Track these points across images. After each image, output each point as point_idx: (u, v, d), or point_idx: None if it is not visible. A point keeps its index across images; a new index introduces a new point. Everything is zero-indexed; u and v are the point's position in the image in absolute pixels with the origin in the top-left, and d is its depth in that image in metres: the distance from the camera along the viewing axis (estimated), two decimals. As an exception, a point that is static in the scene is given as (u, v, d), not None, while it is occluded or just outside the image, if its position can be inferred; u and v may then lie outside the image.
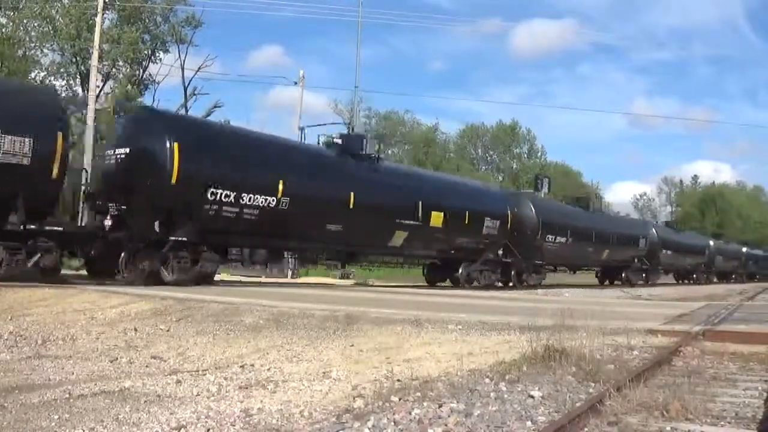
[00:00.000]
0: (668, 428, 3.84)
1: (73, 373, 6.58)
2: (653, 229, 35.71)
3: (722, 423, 4.02)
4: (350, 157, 17.55)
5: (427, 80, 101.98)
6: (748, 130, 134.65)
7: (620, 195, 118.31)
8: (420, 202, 18.66)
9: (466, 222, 20.49)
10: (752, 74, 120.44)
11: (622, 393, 4.34)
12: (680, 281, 42.28)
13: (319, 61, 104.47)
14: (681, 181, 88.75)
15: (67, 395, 5.59)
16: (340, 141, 17.91)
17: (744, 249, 55.01)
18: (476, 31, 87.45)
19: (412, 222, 18.37)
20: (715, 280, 46.44)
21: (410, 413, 4.18)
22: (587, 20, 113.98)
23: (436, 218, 19.14)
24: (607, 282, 32.14)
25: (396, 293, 15.22)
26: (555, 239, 24.65)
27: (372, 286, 20.79)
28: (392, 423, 3.97)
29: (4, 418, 4.92)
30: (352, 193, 16.62)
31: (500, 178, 63.30)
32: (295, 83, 35.43)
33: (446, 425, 3.93)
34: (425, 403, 4.40)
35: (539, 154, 70.01)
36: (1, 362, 7.10)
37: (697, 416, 4.05)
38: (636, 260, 32.28)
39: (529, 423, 4.01)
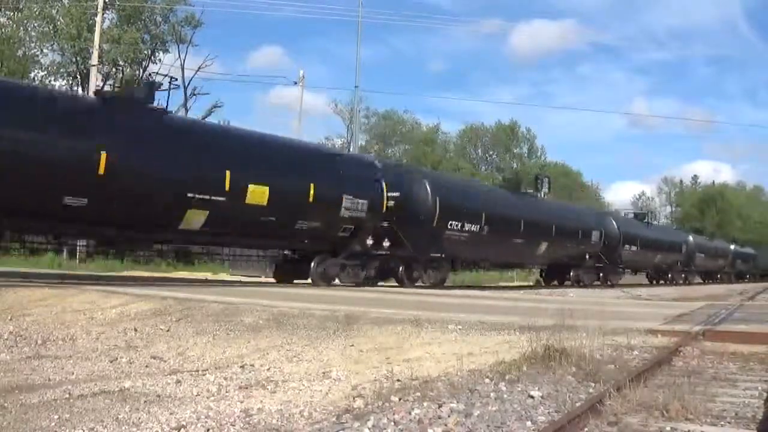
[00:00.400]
0: (668, 428, 3.84)
1: (73, 373, 6.58)
2: (613, 222, 30.25)
3: (722, 423, 4.02)
4: (113, 107, 12.87)
5: (427, 80, 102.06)
6: (748, 130, 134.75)
7: (620, 195, 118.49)
8: (228, 171, 13.74)
9: (311, 200, 15.38)
10: (752, 74, 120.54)
11: (622, 393, 4.34)
12: (653, 281, 37.54)
13: (319, 61, 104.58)
14: (681, 181, 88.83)
15: (67, 395, 5.59)
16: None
17: (732, 246, 51.10)
18: (476, 31, 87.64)
19: (214, 197, 13.44)
20: (697, 280, 42.21)
21: (410, 413, 4.18)
22: (587, 20, 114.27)
23: (257, 194, 14.17)
24: (556, 282, 27.62)
25: (396, 293, 15.21)
26: (462, 227, 19.56)
27: (372, 286, 20.73)
28: (392, 423, 3.98)
29: (4, 418, 4.92)
30: (102, 154, 11.97)
31: (500, 178, 63.33)
32: (295, 83, 35.57)
33: (446, 425, 3.93)
34: (425, 403, 4.40)
35: (539, 153, 70.09)
36: (1, 362, 7.10)
37: (697, 416, 4.05)
38: (588, 257, 27.26)
39: (529, 423, 4.01)
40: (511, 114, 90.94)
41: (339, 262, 16.61)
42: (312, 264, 16.03)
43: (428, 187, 18.83)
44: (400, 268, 18.44)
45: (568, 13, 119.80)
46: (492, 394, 4.70)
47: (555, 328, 6.19)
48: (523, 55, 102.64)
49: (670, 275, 38.01)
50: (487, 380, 5.18)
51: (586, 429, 3.81)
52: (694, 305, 12.98)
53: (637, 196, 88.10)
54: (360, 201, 16.50)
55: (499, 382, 5.07)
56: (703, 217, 74.10)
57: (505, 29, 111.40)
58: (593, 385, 5.01)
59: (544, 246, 24.08)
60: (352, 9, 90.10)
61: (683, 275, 39.28)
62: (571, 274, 27.11)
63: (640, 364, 5.76)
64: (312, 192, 15.43)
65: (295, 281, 16.75)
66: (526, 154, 70.03)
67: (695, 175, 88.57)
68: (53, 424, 4.75)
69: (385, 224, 17.68)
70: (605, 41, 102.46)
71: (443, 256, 19.70)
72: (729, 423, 4.02)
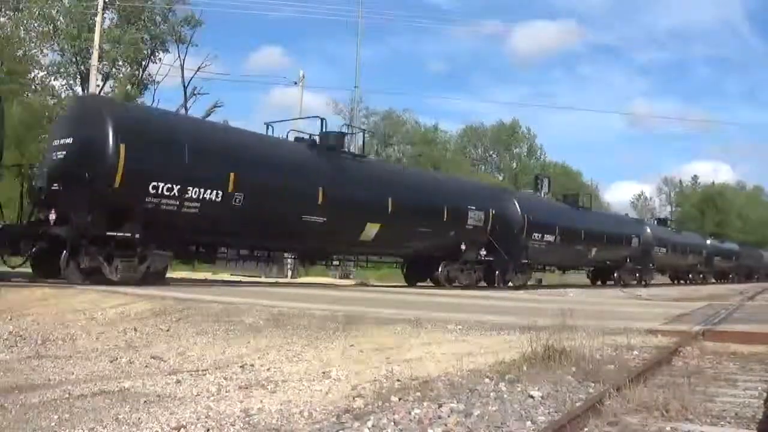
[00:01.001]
0: (668, 428, 3.84)
1: (73, 373, 6.57)
2: (514, 203, 22.43)
3: (722, 423, 4.02)
4: None
5: (427, 80, 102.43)
6: (748, 131, 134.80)
7: (620, 195, 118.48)
8: None
9: None
10: (752, 75, 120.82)
11: (622, 393, 4.34)
12: (596, 282, 30.96)
13: (319, 61, 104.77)
14: (681, 181, 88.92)
15: (67, 395, 5.58)
16: None
17: (708, 241, 43.85)
18: (476, 32, 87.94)
19: None
20: (658, 280, 35.10)
21: (410, 413, 4.18)
22: (587, 20, 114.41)
23: None
24: (429, 282, 21.08)
25: (396, 293, 15.22)
26: (182, 195, 12.87)
27: (372, 286, 20.71)
28: (392, 423, 3.98)
29: (4, 418, 4.92)
30: None
31: (500, 178, 63.34)
32: (295, 83, 35.57)
33: (446, 425, 3.93)
34: (425, 403, 4.40)
35: (539, 153, 70.21)
36: (1, 362, 7.10)
37: (697, 416, 4.06)
38: (463, 248, 20.21)
39: (529, 423, 4.01)
40: (511, 114, 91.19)
41: None
42: None
43: (110, 130, 12.05)
44: (63, 256, 11.92)
45: (568, 13, 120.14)
46: (492, 394, 4.70)
47: (555, 328, 6.19)
48: (523, 55, 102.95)
49: (616, 275, 30.19)
50: (487, 380, 5.18)
51: (586, 429, 3.81)
52: (693, 305, 13.00)
53: (637, 196, 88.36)
54: None
55: (499, 382, 5.07)
56: (703, 218, 74.18)
57: (505, 30, 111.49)
58: (593, 385, 5.01)
59: (374, 230, 16.94)
60: (352, 9, 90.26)
61: (636, 274, 31.40)
62: (439, 270, 20.07)
63: (640, 364, 5.76)
64: None
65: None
66: (526, 154, 70.13)
67: (695, 176, 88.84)
68: (53, 424, 4.74)
69: (55, 186, 12.34)
70: (605, 41, 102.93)
71: (137, 236, 12.46)
72: (729, 423, 4.02)
